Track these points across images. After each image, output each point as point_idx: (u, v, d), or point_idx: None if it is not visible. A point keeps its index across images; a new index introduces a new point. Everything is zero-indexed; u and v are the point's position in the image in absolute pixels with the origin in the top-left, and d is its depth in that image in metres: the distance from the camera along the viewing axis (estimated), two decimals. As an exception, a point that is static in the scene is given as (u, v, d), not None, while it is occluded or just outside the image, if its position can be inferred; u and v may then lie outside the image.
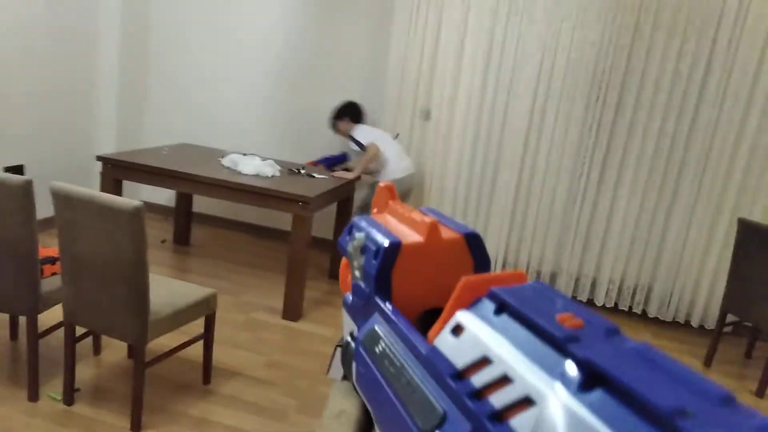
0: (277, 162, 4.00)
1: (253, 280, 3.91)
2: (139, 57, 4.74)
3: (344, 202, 4.06)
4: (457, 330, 0.36)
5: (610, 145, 3.94)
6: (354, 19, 4.32)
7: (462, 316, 0.36)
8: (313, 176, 3.76)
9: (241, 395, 2.56)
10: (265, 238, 4.83)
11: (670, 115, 3.80)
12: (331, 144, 4.46)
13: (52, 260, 2.45)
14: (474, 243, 0.50)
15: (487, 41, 3.97)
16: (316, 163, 4.18)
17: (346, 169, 4.08)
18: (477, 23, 3.95)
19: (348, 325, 0.54)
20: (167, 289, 2.41)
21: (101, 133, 4.68)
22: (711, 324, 3.99)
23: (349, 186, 3.87)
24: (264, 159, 3.83)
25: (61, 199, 2.10)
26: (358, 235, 0.50)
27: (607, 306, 4.18)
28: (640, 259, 4.04)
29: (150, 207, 4.91)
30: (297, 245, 3.25)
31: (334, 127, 4.08)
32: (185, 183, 3.40)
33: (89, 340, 2.76)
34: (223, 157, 3.91)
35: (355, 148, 3.94)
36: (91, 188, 2.12)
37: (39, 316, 2.29)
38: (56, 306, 2.59)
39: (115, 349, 2.78)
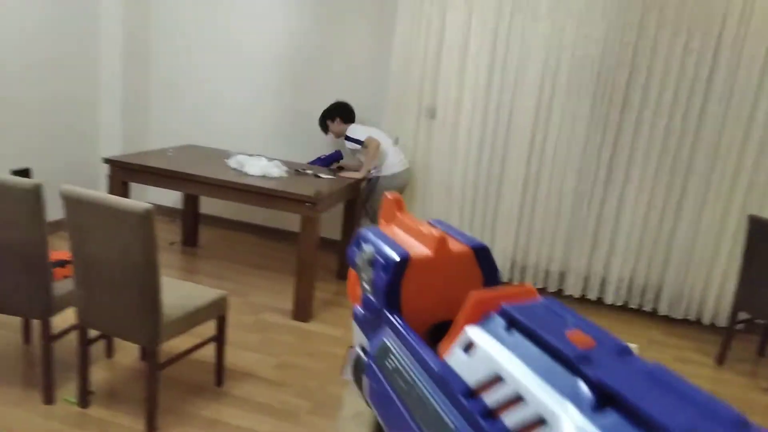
0: (283, 163, 4.01)
1: (261, 282, 3.92)
2: (142, 59, 4.77)
3: (351, 202, 4.06)
4: (469, 347, 0.36)
5: (617, 143, 3.92)
6: (357, 19, 4.32)
7: (473, 333, 0.37)
8: (320, 176, 3.77)
9: (253, 396, 2.57)
10: (273, 239, 4.85)
11: (676, 112, 3.77)
12: (334, 143, 4.48)
13: (63, 263, 2.48)
14: (482, 256, 0.50)
15: (491, 40, 3.96)
16: (311, 164, 4.20)
17: (341, 168, 4.11)
18: (481, 22, 3.94)
19: (358, 337, 0.54)
20: (178, 291, 2.43)
21: (106, 136, 4.71)
22: (722, 322, 3.96)
23: (357, 186, 3.87)
24: (270, 160, 3.84)
25: (72, 202, 2.12)
26: (367, 248, 0.50)
27: (617, 304, 4.16)
28: (650, 256, 4.02)
29: (157, 209, 4.92)
30: (306, 246, 3.26)
31: (325, 128, 4.12)
32: (193, 185, 3.42)
33: (102, 342, 2.79)
34: (228, 158, 3.92)
35: (351, 147, 3.97)
36: (97, 190, 2.14)
37: (51, 319, 2.32)
38: (68, 309, 2.61)
39: (128, 352, 2.81)
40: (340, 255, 4.20)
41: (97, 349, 2.76)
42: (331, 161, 4.21)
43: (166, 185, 3.48)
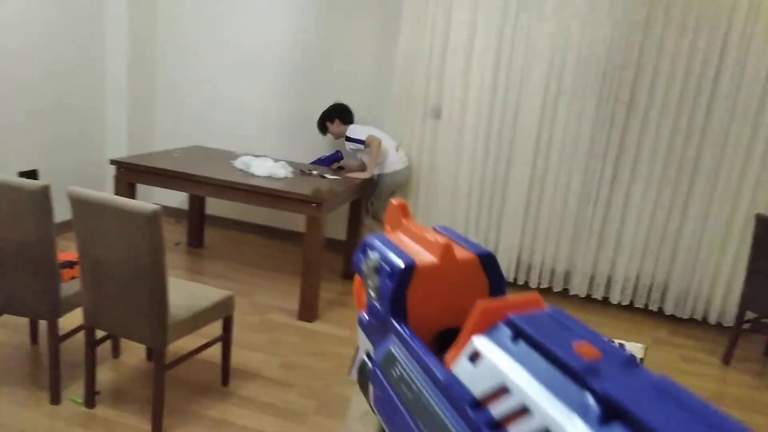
0: (289, 163, 4.02)
1: (266, 282, 3.93)
2: (148, 61, 4.79)
3: (356, 203, 4.07)
4: (475, 357, 0.36)
5: (623, 142, 3.91)
6: (362, 19, 4.32)
7: (479, 343, 0.37)
8: (326, 177, 3.77)
9: (260, 397, 2.58)
10: (278, 240, 4.86)
11: (683, 111, 3.76)
12: (338, 144, 4.49)
13: (70, 264, 2.49)
14: (488, 263, 0.50)
15: (497, 40, 3.95)
16: (312, 165, 4.22)
17: (342, 168, 4.15)
18: (486, 21, 3.94)
19: (363, 343, 0.54)
20: (185, 291, 2.44)
21: (112, 138, 4.73)
22: (729, 321, 3.95)
23: (362, 186, 3.88)
24: (276, 160, 3.85)
25: (79, 203, 2.13)
26: (372, 255, 0.51)
27: (623, 304, 4.15)
28: (656, 256, 4.01)
29: (162, 210, 4.96)
30: (311, 246, 3.27)
31: (324, 129, 4.16)
32: (199, 186, 3.43)
33: (108, 342, 2.80)
34: (234, 159, 3.94)
35: (352, 147, 4.01)
36: (103, 192, 2.15)
37: (58, 320, 2.33)
38: (75, 310, 2.63)
39: (134, 352, 2.82)
40: (345, 255, 4.21)
41: (104, 349, 2.78)
42: (331, 162, 4.25)
43: (172, 186, 3.49)
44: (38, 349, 2.76)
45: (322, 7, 4.39)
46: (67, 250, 3.89)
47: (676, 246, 3.98)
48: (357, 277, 0.59)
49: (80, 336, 2.82)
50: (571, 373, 0.31)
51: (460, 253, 0.52)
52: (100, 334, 2.66)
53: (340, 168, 4.15)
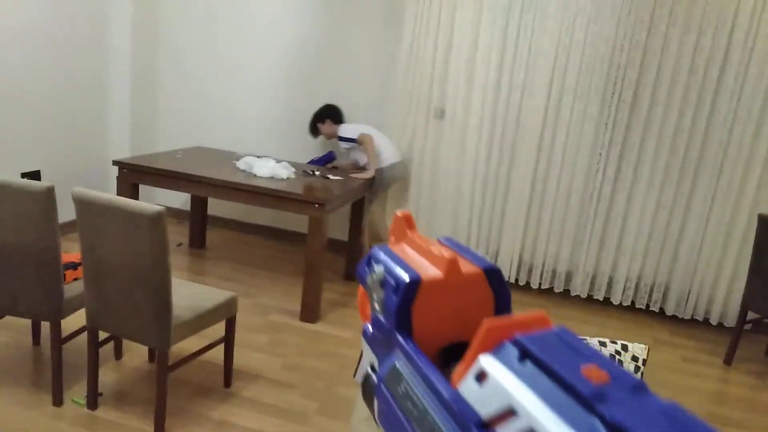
0: (291, 164, 4.03)
1: (268, 283, 3.94)
2: (151, 63, 4.79)
3: (358, 204, 4.07)
4: (482, 376, 0.37)
5: (625, 141, 3.91)
6: (365, 20, 4.32)
7: (486, 362, 0.37)
8: (328, 178, 3.78)
9: (262, 398, 2.59)
10: (280, 240, 4.87)
11: (686, 110, 3.75)
12: (330, 145, 4.52)
13: (74, 266, 2.49)
14: (494, 277, 0.50)
15: (501, 39, 3.95)
16: (308, 166, 4.23)
17: (335, 168, 4.20)
18: (490, 21, 3.93)
19: (368, 355, 0.54)
20: (188, 292, 2.44)
21: (115, 138, 4.74)
22: (730, 322, 3.95)
23: (363, 187, 3.88)
24: (278, 161, 3.85)
25: (84, 204, 2.13)
26: (377, 268, 0.51)
27: (624, 304, 4.15)
28: (658, 256, 4.00)
29: (166, 211, 4.96)
30: (313, 247, 3.27)
31: (315, 131, 4.22)
32: (202, 186, 3.44)
33: (110, 344, 2.81)
34: (237, 159, 3.94)
35: (345, 146, 4.07)
36: (106, 192, 2.15)
37: (61, 321, 2.34)
38: (78, 311, 2.63)
39: (136, 353, 2.83)
40: (347, 256, 4.21)
41: (106, 350, 2.78)
42: (325, 162, 4.29)
43: (175, 187, 3.50)
44: (40, 350, 2.77)
45: (326, 7, 4.38)
46: (70, 251, 3.89)
47: (678, 246, 3.97)
48: (361, 289, 0.59)
49: (82, 337, 2.83)
50: (579, 398, 0.31)
51: (466, 267, 0.52)
52: (102, 335, 2.67)
53: (334, 168, 4.19)
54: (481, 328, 0.40)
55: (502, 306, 0.53)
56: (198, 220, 4.41)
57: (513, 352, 0.37)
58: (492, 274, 0.51)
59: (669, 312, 4.06)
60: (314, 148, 4.59)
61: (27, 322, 2.99)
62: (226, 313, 2.50)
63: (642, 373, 2.00)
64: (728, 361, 3.49)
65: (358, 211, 4.10)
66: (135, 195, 3.58)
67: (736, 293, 3.89)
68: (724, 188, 3.79)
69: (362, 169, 4.08)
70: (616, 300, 4.14)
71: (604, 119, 3.91)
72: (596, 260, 4.14)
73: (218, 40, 4.66)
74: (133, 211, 2.04)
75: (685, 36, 3.66)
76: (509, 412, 0.34)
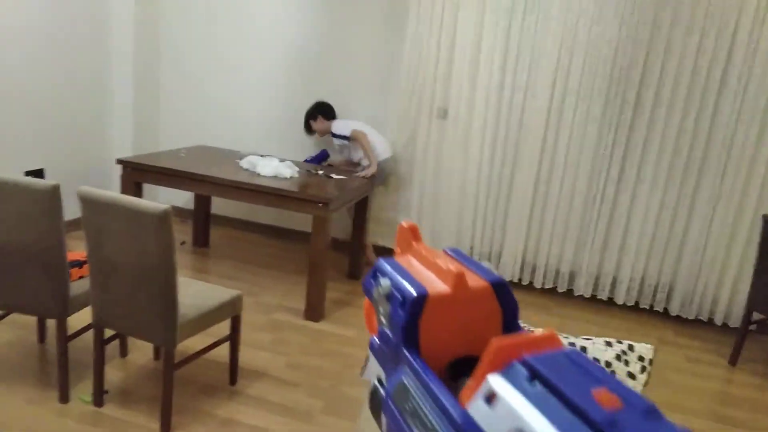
0: (294, 163, 4.02)
1: (272, 282, 3.93)
2: (153, 61, 4.79)
3: (362, 202, 4.06)
4: (491, 398, 0.36)
5: (629, 142, 3.90)
6: (368, 20, 4.32)
7: (495, 383, 0.36)
8: (331, 177, 3.78)
9: (267, 396, 2.58)
10: (283, 239, 4.86)
11: (690, 111, 3.75)
12: (323, 143, 4.53)
13: (79, 264, 2.49)
14: (501, 291, 0.49)
15: (504, 40, 3.95)
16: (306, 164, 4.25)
17: (331, 166, 4.25)
18: (493, 22, 3.93)
19: (374, 367, 0.53)
20: (193, 291, 2.44)
21: (118, 137, 4.74)
22: (735, 322, 3.94)
23: (367, 186, 3.88)
24: (282, 160, 3.85)
25: (89, 203, 2.13)
26: (384, 282, 0.50)
27: (628, 304, 4.15)
28: (661, 256, 4.00)
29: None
30: (317, 246, 3.27)
31: (309, 128, 4.25)
32: (205, 185, 3.43)
33: (116, 341, 2.80)
34: (240, 158, 3.94)
35: (338, 142, 4.12)
36: (109, 191, 2.15)
37: (67, 319, 2.33)
38: (83, 309, 2.63)
39: (142, 351, 2.82)
40: (350, 255, 4.21)
41: (111, 348, 2.78)
42: (320, 161, 4.31)
43: (179, 186, 3.50)
44: (46, 348, 2.77)
45: (326, 7, 4.39)
46: (74, 250, 3.89)
47: (682, 246, 3.97)
48: (367, 301, 0.57)
49: (88, 335, 2.82)
50: (590, 424, 0.30)
51: (473, 280, 0.51)
52: (108, 333, 2.66)
53: (329, 166, 4.23)
54: (490, 347, 0.39)
55: (510, 319, 0.52)
56: (201, 218, 4.41)
57: (522, 372, 0.35)
58: (499, 287, 0.50)
59: (673, 312, 4.05)
60: (313, 147, 4.59)
61: (33, 320, 2.99)
62: (232, 312, 2.50)
63: (649, 373, 1.99)
64: (733, 361, 3.49)
65: (362, 210, 4.09)
66: (138, 194, 3.58)
67: (741, 293, 3.89)
68: (728, 189, 3.78)
69: (356, 165, 4.12)
70: (619, 300, 4.14)
71: (607, 120, 3.91)
72: (600, 260, 4.13)
73: (219, 40, 4.66)
74: (139, 209, 2.04)
75: (688, 37, 3.66)
76: (517, 437, 0.33)
